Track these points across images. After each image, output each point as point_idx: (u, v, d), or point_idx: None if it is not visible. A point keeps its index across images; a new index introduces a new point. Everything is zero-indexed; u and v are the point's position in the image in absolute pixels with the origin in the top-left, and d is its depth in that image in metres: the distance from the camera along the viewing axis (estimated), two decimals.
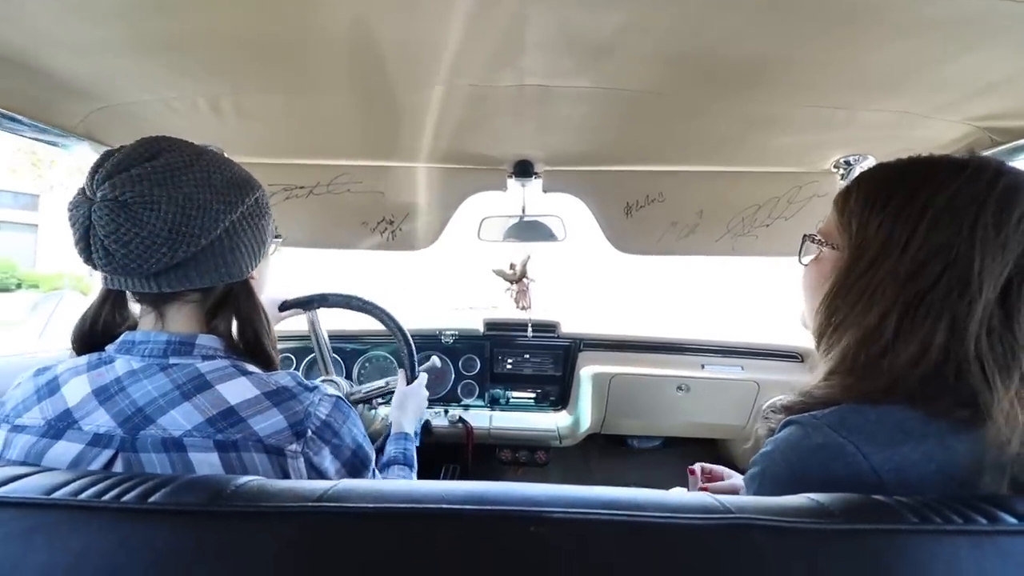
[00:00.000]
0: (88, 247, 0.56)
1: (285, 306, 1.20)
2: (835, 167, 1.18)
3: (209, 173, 0.60)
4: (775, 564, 0.40)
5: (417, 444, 1.53)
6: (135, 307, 0.67)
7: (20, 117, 0.91)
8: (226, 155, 1.20)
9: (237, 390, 0.60)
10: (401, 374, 1.15)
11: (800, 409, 0.56)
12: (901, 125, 0.93)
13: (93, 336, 0.65)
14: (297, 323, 1.29)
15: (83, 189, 0.56)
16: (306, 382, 0.65)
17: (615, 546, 0.41)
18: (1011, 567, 0.40)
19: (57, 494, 0.43)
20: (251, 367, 0.64)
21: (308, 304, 1.21)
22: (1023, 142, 0.92)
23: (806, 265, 0.68)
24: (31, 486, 0.45)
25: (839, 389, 0.56)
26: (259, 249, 0.68)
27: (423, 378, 1.16)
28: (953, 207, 0.53)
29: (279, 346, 1.83)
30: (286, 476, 0.59)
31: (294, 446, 0.59)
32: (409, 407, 1.10)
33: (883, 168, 0.61)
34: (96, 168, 0.56)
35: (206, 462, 0.57)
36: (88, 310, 0.66)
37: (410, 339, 1.15)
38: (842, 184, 1.20)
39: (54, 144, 1.06)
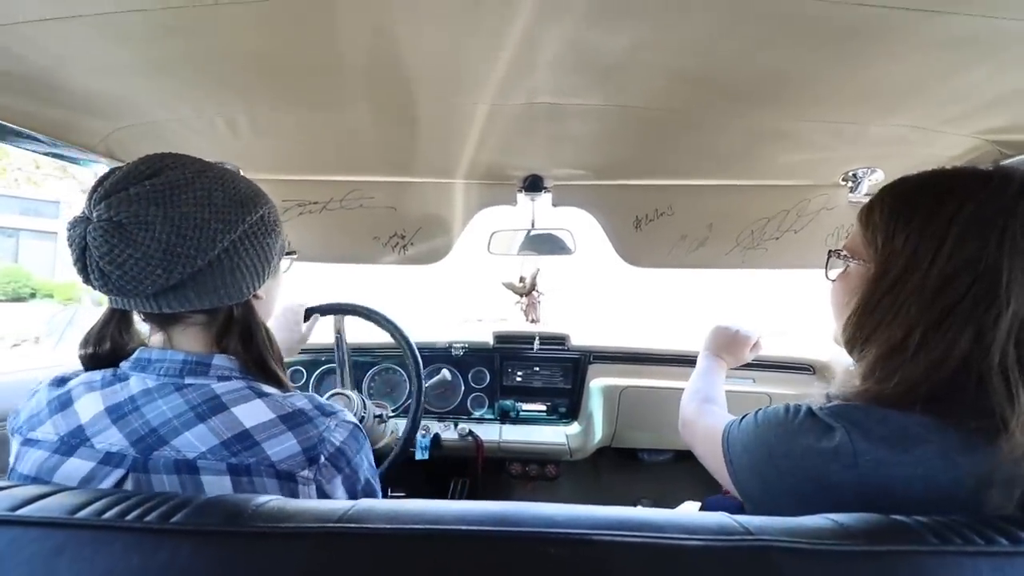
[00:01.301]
0: (85, 268, 0.54)
1: (310, 312, 1.23)
2: (844, 180, 1.17)
3: (210, 191, 0.58)
4: None
5: (425, 457, 1.53)
6: (142, 327, 0.65)
7: (42, 137, 0.93)
8: (242, 172, 1.21)
9: (252, 412, 0.59)
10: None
11: None
12: (909, 139, 0.93)
13: (100, 355, 0.64)
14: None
15: (83, 209, 0.55)
16: (324, 405, 0.64)
17: (634, 568, 0.41)
18: None
19: (80, 514, 0.44)
20: (268, 388, 0.63)
21: (333, 311, 1.28)
22: None
23: (833, 281, 0.68)
24: (54, 505, 0.45)
25: (856, 392, 0.57)
26: (263, 269, 0.65)
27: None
28: (980, 220, 0.52)
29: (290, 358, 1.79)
30: None
31: (306, 472, 0.58)
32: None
33: (907, 181, 0.61)
34: (96, 187, 0.55)
35: (218, 485, 0.56)
36: (93, 328, 0.65)
37: (418, 357, 1.26)
38: (851, 197, 1.19)
39: (75, 162, 1.08)
